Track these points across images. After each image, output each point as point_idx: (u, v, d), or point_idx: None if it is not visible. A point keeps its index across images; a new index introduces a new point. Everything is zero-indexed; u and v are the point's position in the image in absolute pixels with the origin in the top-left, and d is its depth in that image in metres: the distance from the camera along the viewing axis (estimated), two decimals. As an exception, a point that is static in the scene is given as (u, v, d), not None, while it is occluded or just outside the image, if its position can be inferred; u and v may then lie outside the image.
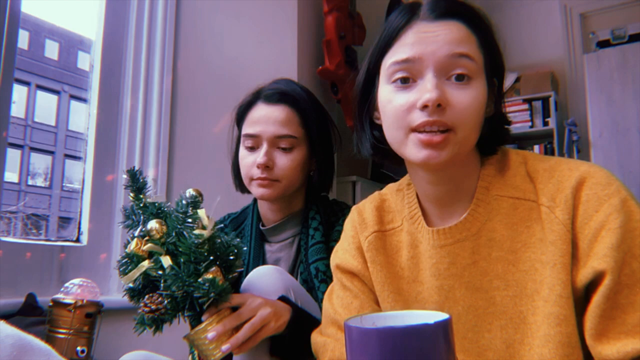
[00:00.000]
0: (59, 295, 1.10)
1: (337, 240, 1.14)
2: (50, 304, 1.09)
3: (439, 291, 0.75)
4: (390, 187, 0.88)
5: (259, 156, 1.12)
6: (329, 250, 1.13)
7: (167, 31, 1.66)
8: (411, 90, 0.70)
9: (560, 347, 0.64)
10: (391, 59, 0.72)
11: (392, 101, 0.71)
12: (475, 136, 0.72)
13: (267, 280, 0.98)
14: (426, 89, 0.68)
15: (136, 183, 0.87)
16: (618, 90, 3.12)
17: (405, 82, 0.70)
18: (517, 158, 0.76)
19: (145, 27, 1.63)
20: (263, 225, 1.23)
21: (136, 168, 0.90)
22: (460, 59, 0.69)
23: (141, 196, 0.87)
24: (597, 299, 0.63)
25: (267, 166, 1.11)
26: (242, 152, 1.17)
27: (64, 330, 1.06)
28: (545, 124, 3.33)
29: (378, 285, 0.81)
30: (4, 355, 0.70)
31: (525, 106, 3.32)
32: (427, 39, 0.69)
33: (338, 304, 0.85)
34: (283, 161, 1.13)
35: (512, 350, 0.69)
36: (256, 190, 1.14)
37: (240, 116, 1.20)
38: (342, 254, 0.87)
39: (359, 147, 0.83)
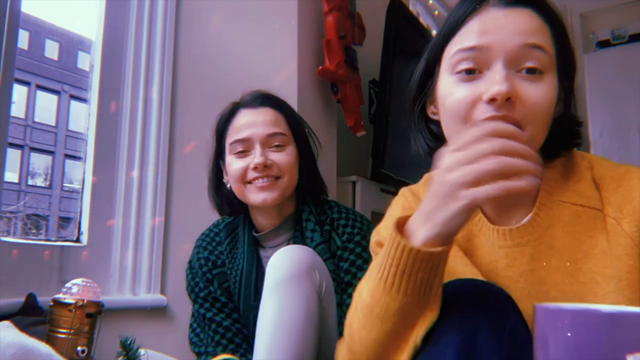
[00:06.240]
0: (60, 295, 1.10)
1: (325, 240, 1.14)
2: (51, 303, 1.09)
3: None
4: None
5: (255, 157, 1.10)
6: (330, 248, 1.13)
7: (167, 31, 1.66)
8: (477, 82, 0.65)
9: None
10: (456, 46, 0.67)
11: (454, 93, 0.66)
12: (543, 136, 0.67)
13: (295, 255, 0.99)
14: (495, 81, 0.62)
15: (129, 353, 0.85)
16: (618, 90, 3.12)
17: (471, 73, 0.65)
18: (582, 162, 0.71)
19: (145, 27, 1.63)
20: (256, 232, 1.21)
21: (129, 340, 0.89)
22: (533, 51, 0.64)
23: None
24: None
25: (265, 165, 1.10)
26: (230, 159, 1.15)
27: (64, 330, 1.05)
28: (545, 123, 3.33)
29: None
30: (5, 364, 0.69)
31: (525, 106, 3.32)
32: (496, 27, 0.64)
33: None
34: (280, 157, 1.12)
35: None
36: (256, 196, 1.11)
37: (222, 128, 1.19)
38: (384, 232, 0.81)
39: (417, 146, 0.78)
